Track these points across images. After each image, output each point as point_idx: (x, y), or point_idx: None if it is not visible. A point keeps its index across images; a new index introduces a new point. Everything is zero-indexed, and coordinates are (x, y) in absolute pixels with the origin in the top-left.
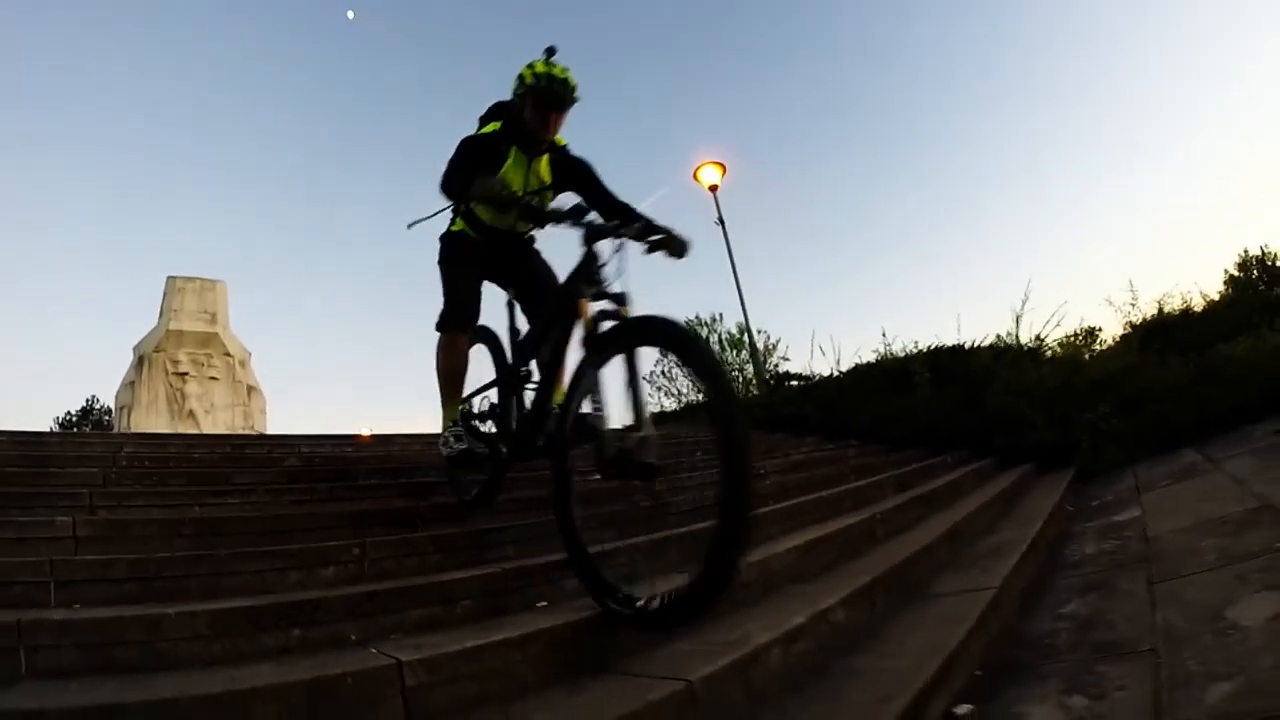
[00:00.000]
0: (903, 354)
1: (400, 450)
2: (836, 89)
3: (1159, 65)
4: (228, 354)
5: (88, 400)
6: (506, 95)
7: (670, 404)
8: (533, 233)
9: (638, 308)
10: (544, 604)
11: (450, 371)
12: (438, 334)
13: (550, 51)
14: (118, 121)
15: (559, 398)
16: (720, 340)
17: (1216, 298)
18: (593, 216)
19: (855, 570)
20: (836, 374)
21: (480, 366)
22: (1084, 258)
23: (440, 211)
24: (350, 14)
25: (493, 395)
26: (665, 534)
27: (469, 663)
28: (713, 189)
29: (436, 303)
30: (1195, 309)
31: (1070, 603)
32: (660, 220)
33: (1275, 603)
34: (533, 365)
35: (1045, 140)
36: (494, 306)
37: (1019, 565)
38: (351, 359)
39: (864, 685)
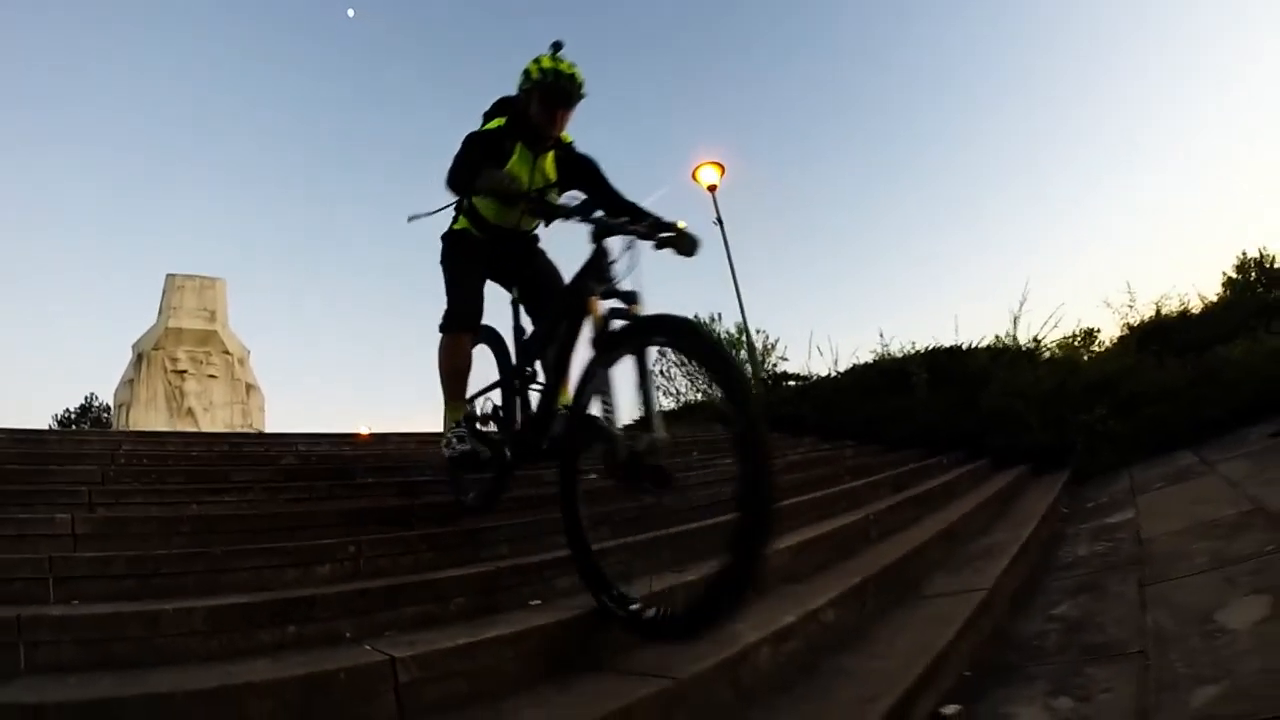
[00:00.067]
0: (900, 355)
1: (397, 449)
2: (836, 89)
3: (1159, 65)
4: (227, 352)
5: (86, 398)
6: (507, 93)
7: (669, 404)
8: (537, 231)
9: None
10: (537, 602)
11: (453, 372)
12: (441, 333)
13: (557, 46)
14: (117, 120)
15: (565, 399)
16: None
17: (1214, 300)
18: (601, 213)
19: (847, 570)
20: (834, 374)
21: (483, 367)
22: (1083, 258)
23: (443, 208)
24: (350, 12)
25: (496, 396)
26: (658, 534)
27: (461, 659)
28: (711, 189)
29: (437, 302)
30: (1193, 311)
31: (1061, 604)
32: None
33: (1264, 606)
34: (537, 366)
35: (1045, 140)
36: (495, 306)
37: (1011, 567)
38: (351, 357)
39: (852, 685)
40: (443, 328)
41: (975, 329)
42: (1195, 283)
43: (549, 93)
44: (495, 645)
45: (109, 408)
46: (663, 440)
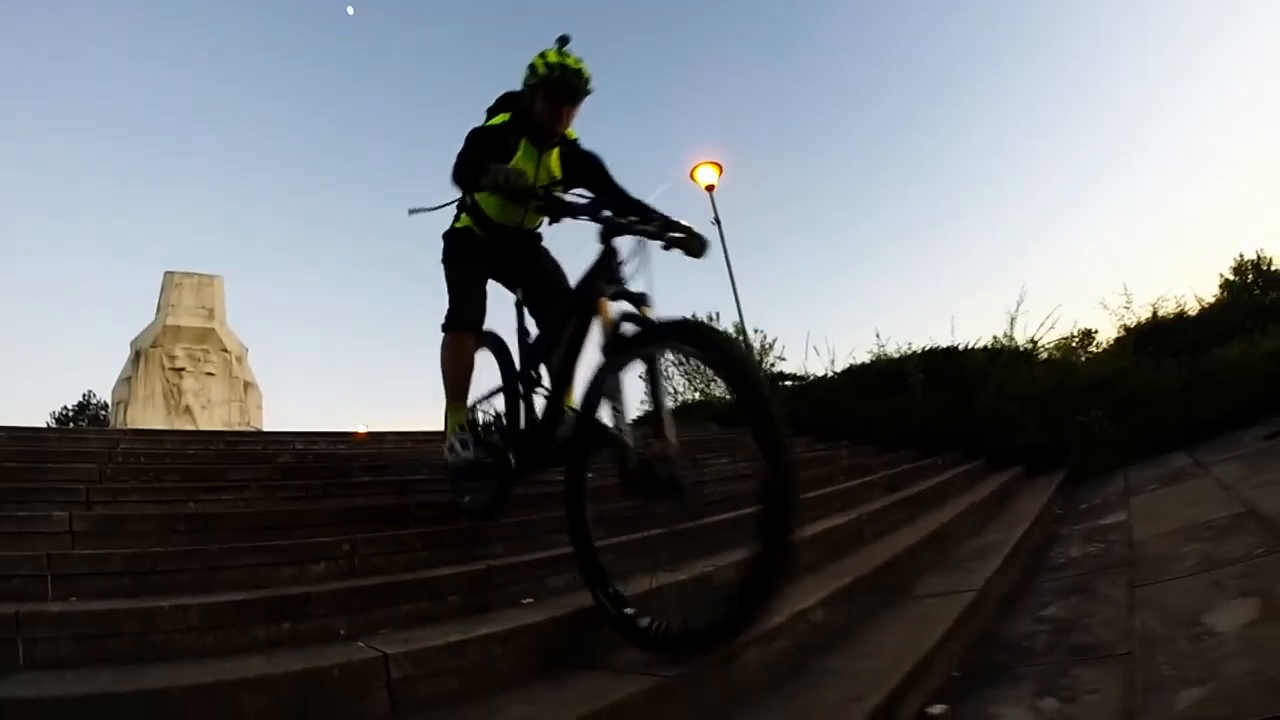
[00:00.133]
0: (897, 355)
1: (393, 448)
2: (833, 83)
3: (1159, 65)
4: (225, 349)
5: (84, 395)
6: (506, 86)
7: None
8: (540, 230)
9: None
10: (529, 600)
11: (457, 373)
12: (443, 334)
13: (563, 41)
14: (114, 112)
15: (570, 404)
16: None
17: (1211, 301)
18: (608, 212)
19: (839, 571)
20: (831, 374)
21: (484, 372)
22: (1081, 258)
23: (445, 205)
24: (350, 10)
25: (499, 402)
26: (650, 533)
27: (453, 656)
28: (709, 189)
29: (438, 300)
30: (1189, 313)
31: (1051, 605)
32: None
33: (1251, 609)
34: (542, 370)
35: (1044, 139)
36: (497, 308)
37: (1002, 568)
38: (350, 354)
39: (840, 684)
40: (445, 327)
41: (972, 328)
42: (1193, 284)
43: (555, 88)
44: (487, 642)
45: (107, 405)
46: (675, 449)
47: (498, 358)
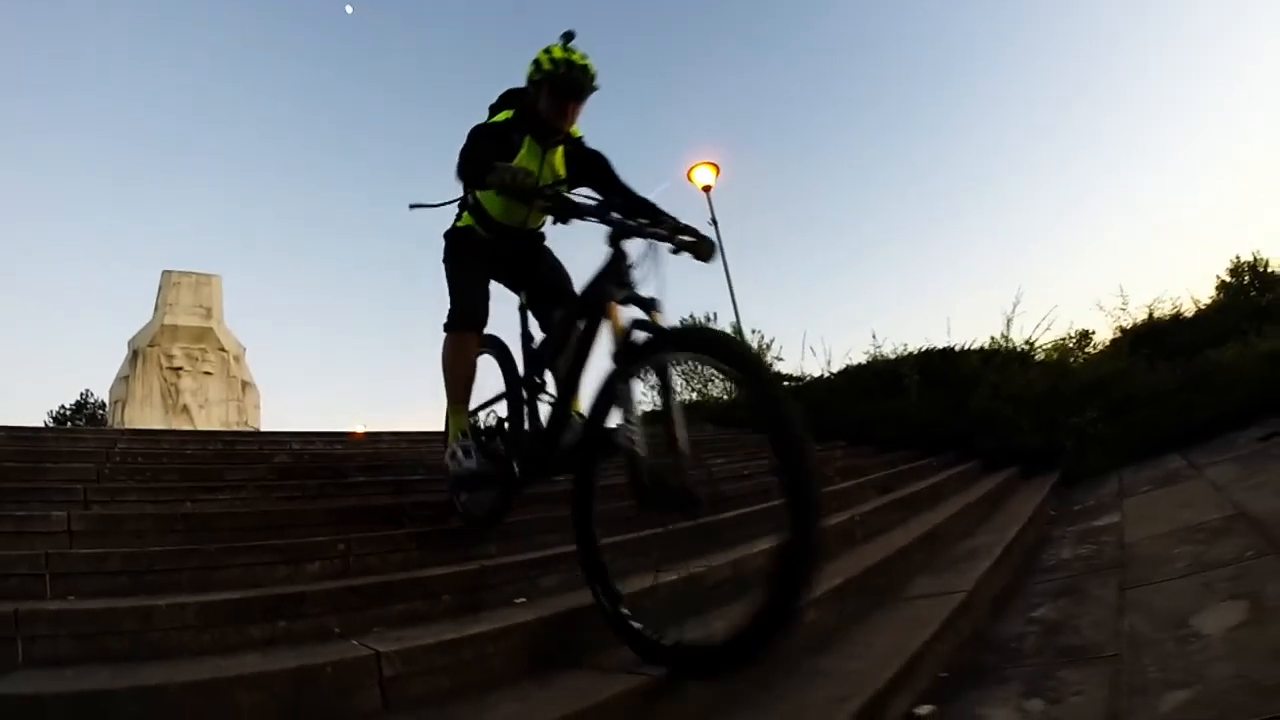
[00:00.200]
0: (893, 356)
1: (389, 448)
2: (832, 84)
3: (1159, 65)
4: (222, 349)
5: (82, 394)
6: (506, 85)
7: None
8: (543, 230)
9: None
10: (522, 600)
11: (459, 374)
12: (445, 335)
13: (568, 36)
14: (113, 111)
15: (577, 410)
16: None
17: (1208, 303)
18: (617, 214)
19: (830, 572)
20: (827, 375)
21: (487, 374)
22: (1081, 258)
23: (447, 203)
24: (349, 9)
25: (501, 408)
26: (646, 533)
27: (445, 655)
28: (706, 189)
29: (436, 299)
30: (1185, 314)
31: (1041, 607)
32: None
33: (1239, 612)
34: (547, 375)
35: (1044, 139)
36: (496, 309)
37: (992, 569)
38: (348, 355)
39: (828, 684)
40: (447, 327)
41: (970, 329)
42: (1190, 285)
43: (560, 85)
44: (478, 641)
45: (104, 404)
46: (688, 461)
47: (500, 362)
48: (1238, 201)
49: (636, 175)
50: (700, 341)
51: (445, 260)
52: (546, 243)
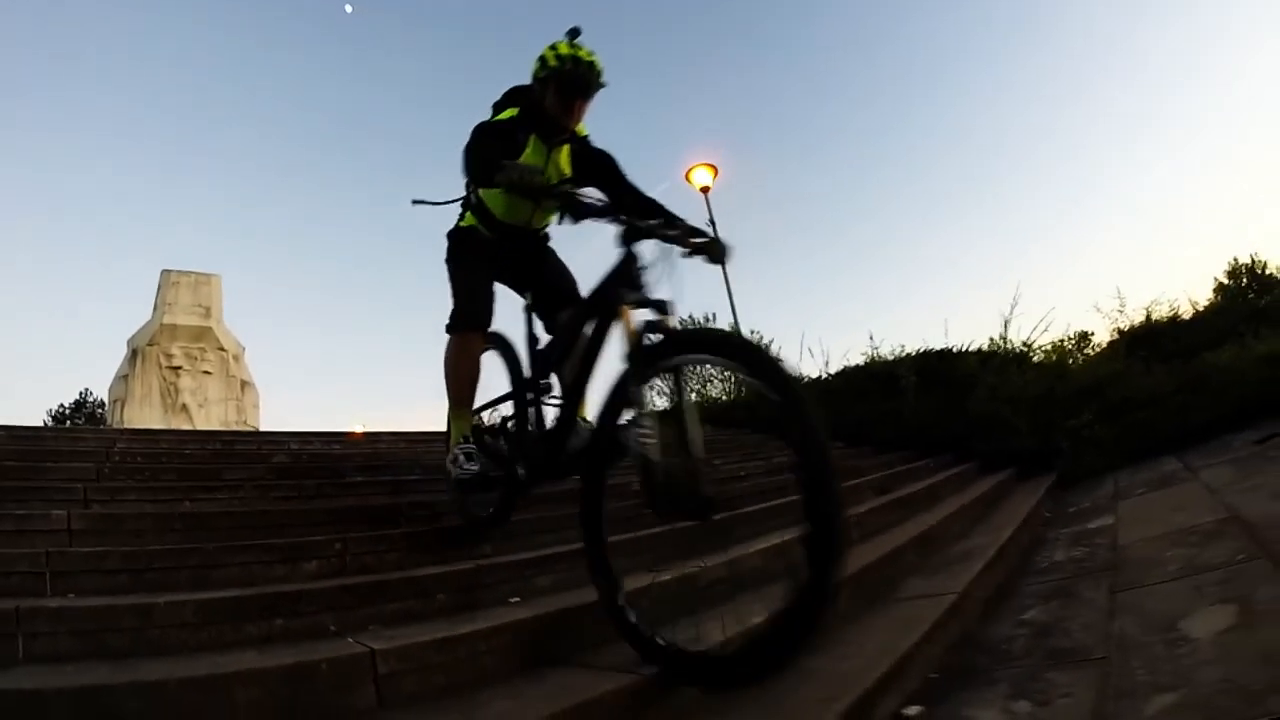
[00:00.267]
0: (890, 357)
1: (387, 449)
2: (830, 84)
3: (1158, 65)
4: (221, 348)
5: (81, 393)
6: (506, 84)
7: (663, 404)
8: (548, 230)
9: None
10: (516, 599)
11: (462, 377)
12: (448, 336)
13: (574, 33)
14: (113, 110)
15: (583, 413)
16: None
17: (1205, 305)
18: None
19: None
20: (825, 376)
21: (488, 376)
22: (1080, 258)
23: (450, 202)
24: (349, 8)
25: (506, 409)
26: (641, 533)
27: (439, 652)
28: (704, 190)
29: (440, 297)
30: (1183, 317)
31: (1032, 609)
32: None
33: (1228, 616)
34: (553, 378)
35: (1044, 139)
36: (501, 308)
37: (984, 571)
38: (348, 354)
39: (817, 684)
40: (450, 328)
41: (967, 329)
42: (1189, 286)
43: (566, 82)
44: (472, 639)
45: (104, 403)
46: (703, 465)
47: (505, 360)
48: (1237, 201)
49: (635, 176)
50: (715, 343)
51: (448, 261)
52: (550, 244)
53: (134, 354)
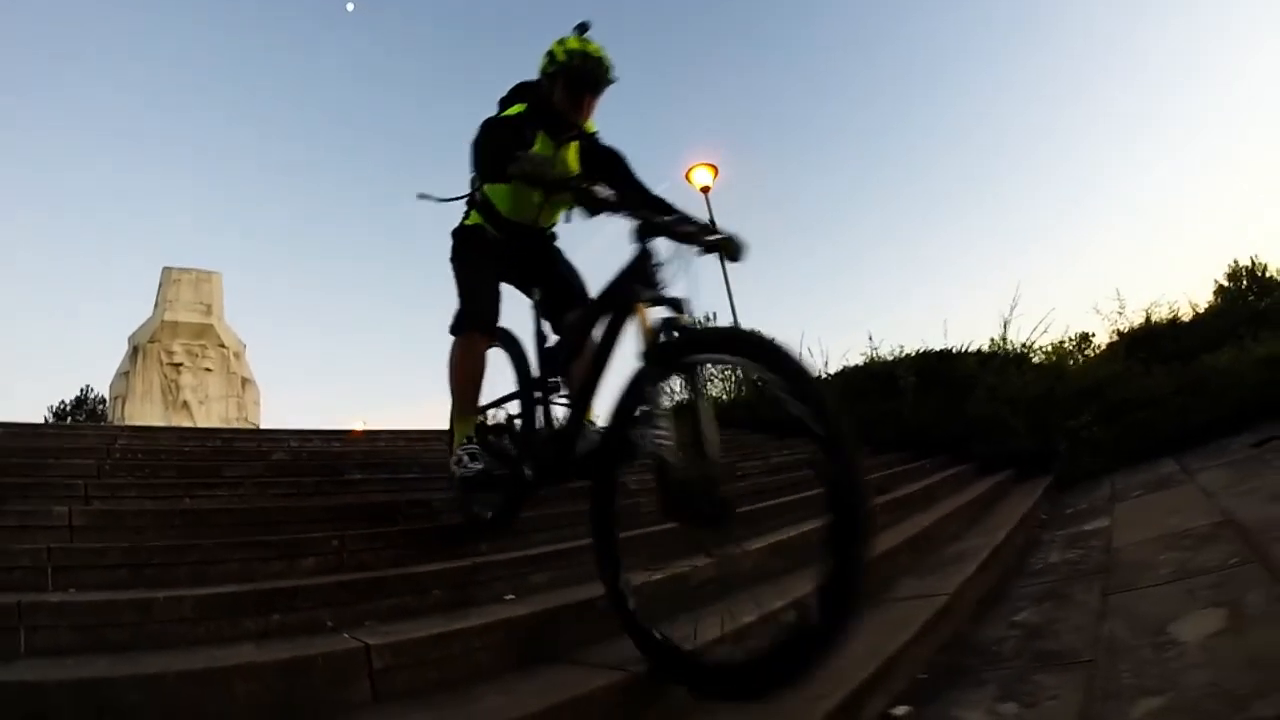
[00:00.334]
0: (890, 358)
1: (385, 446)
2: (829, 84)
3: (1158, 65)
4: (222, 345)
5: (82, 389)
6: (507, 82)
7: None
8: (554, 230)
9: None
10: (511, 597)
11: (467, 379)
12: (453, 337)
13: (582, 27)
14: (113, 107)
15: (591, 414)
16: None
17: (1205, 307)
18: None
19: (815, 573)
20: (823, 376)
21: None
22: (1081, 257)
23: (455, 199)
24: (350, 6)
25: (513, 407)
26: (636, 533)
27: (433, 648)
28: (704, 190)
29: (442, 296)
30: (1183, 319)
31: (1024, 610)
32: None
33: (1219, 620)
34: (561, 378)
35: (1043, 139)
36: (506, 309)
37: (977, 573)
38: (349, 351)
39: (806, 684)
40: (454, 329)
41: (966, 329)
42: (1189, 287)
43: (575, 77)
44: (466, 636)
45: (104, 400)
46: (719, 469)
47: (512, 358)
48: (1237, 202)
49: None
50: (736, 342)
51: (453, 260)
52: (556, 243)
53: (135, 351)
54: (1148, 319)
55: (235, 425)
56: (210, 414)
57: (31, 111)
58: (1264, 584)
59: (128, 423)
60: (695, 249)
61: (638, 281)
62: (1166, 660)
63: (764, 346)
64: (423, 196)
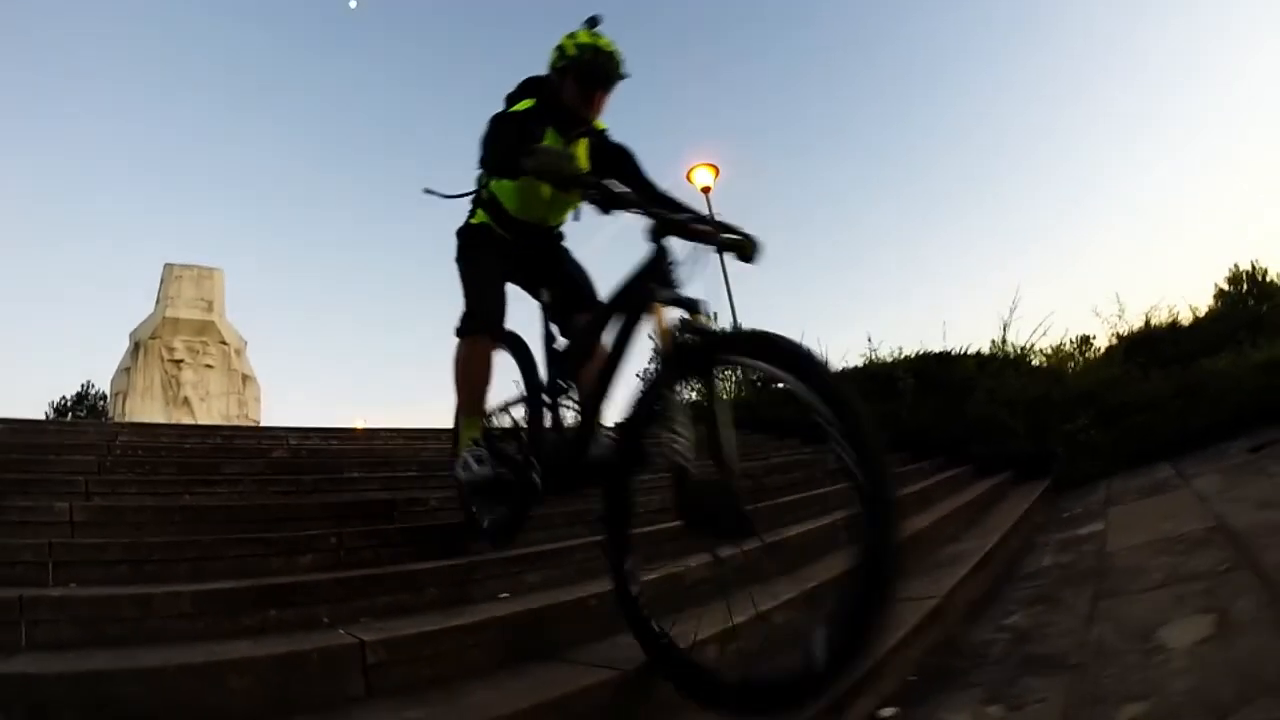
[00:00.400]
0: (889, 359)
1: (384, 445)
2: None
3: (1158, 65)
4: (224, 342)
5: (83, 385)
6: (509, 80)
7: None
8: (563, 229)
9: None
10: (505, 595)
11: (472, 382)
12: (458, 339)
13: (593, 22)
14: (117, 103)
15: (602, 419)
16: None
17: (1205, 311)
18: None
19: (808, 575)
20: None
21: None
22: (1080, 259)
23: (461, 195)
24: (352, 3)
25: (518, 411)
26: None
27: (426, 645)
28: (705, 190)
29: (444, 295)
30: (1182, 323)
31: (1015, 614)
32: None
33: (1206, 626)
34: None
35: (1043, 138)
36: (512, 309)
37: (970, 576)
38: (351, 348)
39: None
40: (459, 331)
41: (966, 331)
42: (1188, 290)
43: (586, 72)
44: (459, 633)
45: (105, 396)
46: (737, 477)
47: (519, 361)
48: (1237, 202)
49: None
50: (757, 345)
51: (458, 260)
52: (564, 242)
53: (136, 347)
54: (1147, 322)
55: (236, 422)
56: (211, 411)
57: (35, 105)
58: (1253, 590)
59: (129, 419)
60: (711, 248)
61: (654, 280)
62: (1152, 666)
63: (789, 351)
64: (429, 192)
